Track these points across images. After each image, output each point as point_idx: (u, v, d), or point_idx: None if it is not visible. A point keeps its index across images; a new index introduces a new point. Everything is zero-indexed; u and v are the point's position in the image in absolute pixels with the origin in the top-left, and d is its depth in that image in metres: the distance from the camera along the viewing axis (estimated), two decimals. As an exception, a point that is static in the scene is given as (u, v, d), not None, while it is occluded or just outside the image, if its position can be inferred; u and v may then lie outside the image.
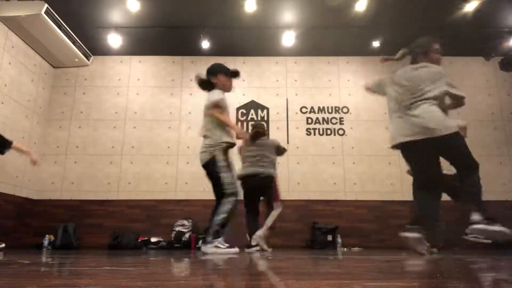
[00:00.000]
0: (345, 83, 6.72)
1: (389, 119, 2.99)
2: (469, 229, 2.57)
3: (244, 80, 6.74)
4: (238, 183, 3.61)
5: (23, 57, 5.78)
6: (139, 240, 5.43)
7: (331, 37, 6.28)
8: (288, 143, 6.40)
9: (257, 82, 6.74)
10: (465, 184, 2.66)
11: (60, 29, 5.53)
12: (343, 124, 6.51)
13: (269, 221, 4.18)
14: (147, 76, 6.75)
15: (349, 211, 6.07)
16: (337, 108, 6.59)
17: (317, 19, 5.79)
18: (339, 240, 5.57)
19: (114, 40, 5.97)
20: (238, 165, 4.04)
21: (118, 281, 1.08)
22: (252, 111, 6.58)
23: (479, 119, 6.50)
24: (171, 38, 6.31)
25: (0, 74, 5.25)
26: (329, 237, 5.59)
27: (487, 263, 1.95)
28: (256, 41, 6.43)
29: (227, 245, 3.22)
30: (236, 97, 6.64)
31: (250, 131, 4.97)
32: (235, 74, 3.51)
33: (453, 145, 2.68)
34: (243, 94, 6.65)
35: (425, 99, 2.74)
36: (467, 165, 2.67)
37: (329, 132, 6.47)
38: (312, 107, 6.59)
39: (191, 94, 6.62)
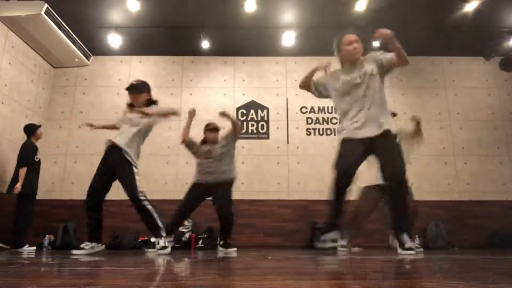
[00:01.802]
0: (345, 83, 6.71)
1: None
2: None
3: (244, 80, 6.73)
4: None
5: (23, 57, 5.77)
6: (139, 240, 5.43)
7: (331, 37, 6.25)
8: (288, 143, 6.40)
9: (257, 82, 6.73)
10: None
11: (60, 29, 5.53)
12: (343, 124, 6.50)
13: None
14: (147, 76, 6.72)
15: (349, 211, 6.05)
16: (337, 108, 6.58)
17: (317, 19, 5.79)
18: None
19: (114, 40, 5.97)
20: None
21: (118, 281, 1.08)
22: (252, 111, 6.57)
23: (479, 119, 6.50)
24: (171, 38, 6.31)
25: (0, 74, 5.25)
26: (329, 237, 5.58)
27: (484, 262, 1.95)
28: (256, 41, 6.43)
29: None
30: (236, 97, 6.64)
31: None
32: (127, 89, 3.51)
33: None
34: (243, 94, 6.64)
35: None
36: None
37: (329, 132, 6.47)
38: (312, 107, 6.59)
39: (191, 94, 6.61)
